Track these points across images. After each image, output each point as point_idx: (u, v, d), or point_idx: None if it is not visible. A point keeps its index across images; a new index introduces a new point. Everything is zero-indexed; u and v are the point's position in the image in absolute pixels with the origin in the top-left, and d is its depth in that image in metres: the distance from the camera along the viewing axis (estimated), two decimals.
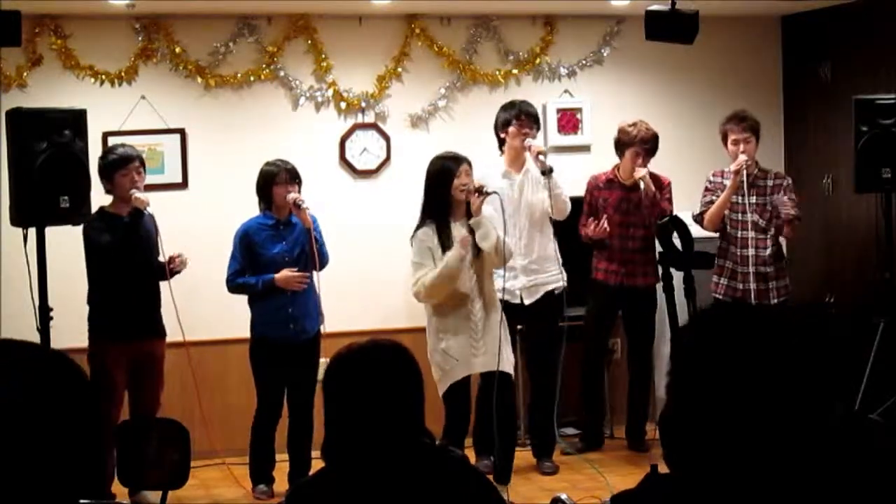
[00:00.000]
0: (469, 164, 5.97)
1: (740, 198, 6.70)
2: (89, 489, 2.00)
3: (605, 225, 6.82)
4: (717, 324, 2.01)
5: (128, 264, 5.99)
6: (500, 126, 6.64)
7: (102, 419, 2.01)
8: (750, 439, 1.89)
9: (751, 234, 6.71)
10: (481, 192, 5.85)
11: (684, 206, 6.94)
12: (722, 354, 1.94)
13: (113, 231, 5.97)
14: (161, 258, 6.15)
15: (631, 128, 6.86)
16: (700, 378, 1.94)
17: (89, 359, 6.01)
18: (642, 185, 6.79)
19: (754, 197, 6.72)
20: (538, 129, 6.71)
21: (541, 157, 6.42)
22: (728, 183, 6.72)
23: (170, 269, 6.09)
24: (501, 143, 6.66)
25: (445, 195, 5.89)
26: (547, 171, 6.39)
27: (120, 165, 6.01)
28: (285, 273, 6.17)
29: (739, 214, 6.74)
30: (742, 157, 6.64)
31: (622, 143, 6.89)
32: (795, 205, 6.78)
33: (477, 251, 5.90)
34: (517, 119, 6.55)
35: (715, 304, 6.43)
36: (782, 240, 6.89)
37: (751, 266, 6.70)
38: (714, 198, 6.77)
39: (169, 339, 6.27)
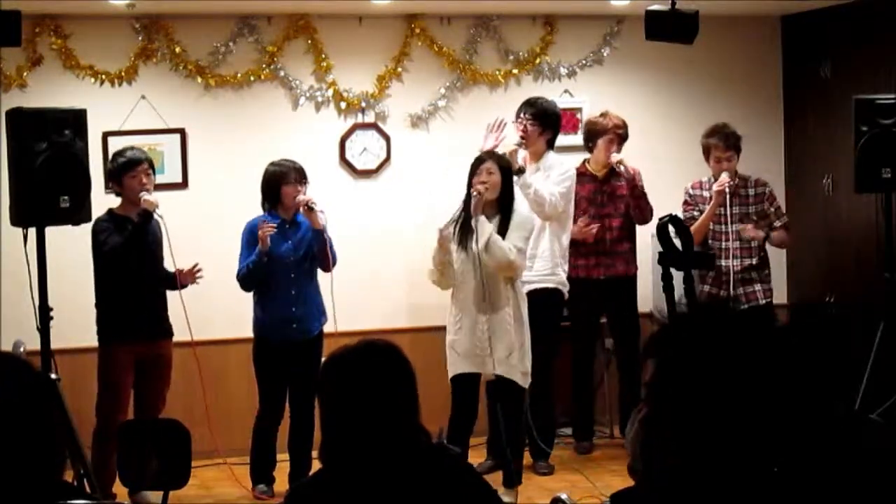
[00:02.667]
0: (497, 160, 5.97)
1: (722, 209, 6.73)
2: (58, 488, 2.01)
3: (594, 229, 6.82)
4: (704, 322, 2.00)
5: (136, 266, 5.99)
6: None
7: (55, 421, 2.02)
8: (748, 440, 1.89)
9: (733, 244, 6.75)
10: (475, 194, 5.90)
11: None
12: (709, 355, 1.93)
13: (122, 232, 5.98)
14: (172, 266, 6.12)
15: (601, 118, 6.92)
16: (688, 380, 1.93)
17: (100, 361, 6.02)
18: (622, 168, 6.80)
19: (737, 207, 6.77)
20: (545, 123, 6.65)
21: (506, 154, 6.35)
22: (709, 195, 6.76)
23: (181, 282, 6.08)
24: None
25: (468, 191, 5.94)
26: (517, 172, 6.34)
27: (128, 168, 6.03)
28: (260, 229, 6.09)
29: (722, 226, 6.77)
30: (724, 177, 6.67)
31: (594, 134, 6.91)
32: (782, 213, 6.94)
33: None
34: (517, 116, 6.59)
35: (700, 303, 6.42)
36: (772, 246, 6.95)
37: (733, 275, 6.73)
38: (696, 213, 6.79)
39: (174, 338, 6.26)
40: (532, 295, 6.43)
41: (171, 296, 6.17)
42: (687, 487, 1.91)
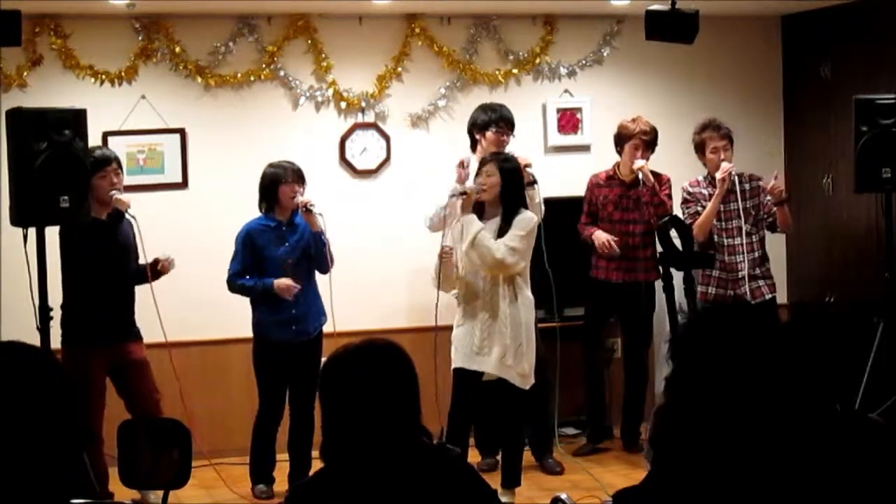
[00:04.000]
0: (496, 164, 5.97)
1: (724, 205, 6.72)
2: (74, 486, 2.02)
3: (616, 248, 6.83)
4: (718, 323, 2.01)
5: (104, 268, 5.92)
6: (478, 128, 6.66)
7: (77, 416, 2.04)
8: (751, 438, 1.89)
9: (738, 240, 6.75)
10: (456, 194, 5.96)
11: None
12: (721, 354, 1.94)
13: (90, 234, 5.87)
14: (143, 261, 6.06)
15: (630, 123, 6.91)
16: (700, 377, 1.95)
17: (67, 364, 5.87)
18: (640, 176, 6.81)
19: (734, 203, 6.77)
20: (513, 133, 6.69)
21: (528, 168, 6.40)
22: (708, 192, 6.76)
23: (155, 272, 6.03)
24: (474, 141, 6.68)
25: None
26: (530, 183, 6.39)
27: (97, 168, 5.89)
28: (285, 281, 6.16)
29: (724, 223, 6.76)
30: (726, 164, 6.67)
31: (622, 138, 6.92)
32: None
33: None
34: (496, 125, 6.58)
35: (714, 305, 6.42)
36: (773, 236, 6.94)
37: (742, 271, 6.72)
38: (699, 208, 6.77)
39: (166, 339, 6.24)
40: None
41: (152, 298, 6.08)
42: (689, 485, 1.91)
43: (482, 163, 6.08)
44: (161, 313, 6.11)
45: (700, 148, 6.83)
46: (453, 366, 6.02)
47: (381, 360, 2.64)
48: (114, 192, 5.93)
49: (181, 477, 2.92)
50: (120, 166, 6.08)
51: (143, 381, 6.06)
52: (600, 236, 6.90)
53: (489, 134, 6.58)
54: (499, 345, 5.89)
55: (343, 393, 2.60)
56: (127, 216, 5.97)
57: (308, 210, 6.18)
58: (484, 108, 6.72)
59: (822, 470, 1.97)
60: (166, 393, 6.22)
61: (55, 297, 5.59)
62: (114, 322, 5.97)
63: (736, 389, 1.91)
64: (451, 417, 6.04)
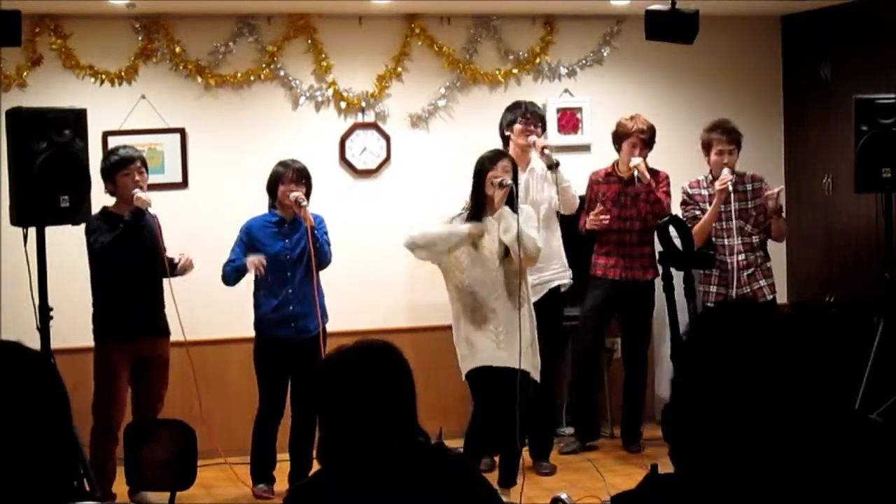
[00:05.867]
0: (510, 159, 5.99)
1: (723, 205, 6.73)
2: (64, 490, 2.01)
3: (604, 218, 6.83)
4: (722, 322, 2.01)
5: (129, 263, 6.00)
6: (506, 125, 6.69)
7: (70, 419, 2.01)
8: (751, 438, 1.89)
9: (737, 240, 6.77)
10: (501, 185, 5.87)
11: None
12: (725, 353, 1.95)
13: (114, 230, 5.98)
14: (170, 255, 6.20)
15: (629, 121, 6.93)
16: (703, 376, 1.95)
17: (95, 360, 6.02)
18: (636, 174, 6.82)
19: (736, 203, 6.78)
20: (544, 129, 6.79)
21: (546, 150, 6.48)
22: (708, 193, 6.78)
23: (173, 267, 6.15)
24: (506, 142, 6.69)
25: (480, 190, 5.93)
26: (553, 165, 6.46)
27: (121, 166, 6.04)
28: (253, 257, 6.19)
29: (724, 223, 6.78)
30: (726, 174, 6.68)
31: (620, 136, 6.94)
32: (780, 206, 6.94)
33: (506, 249, 5.89)
34: (523, 117, 6.61)
35: (718, 304, 6.44)
36: (771, 241, 6.96)
37: (741, 271, 6.74)
38: (698, 212, 6.79)
39: (174, 338, 6.27)
40: (552, 294, 6.54)
41: (171, 296, 6.15)
42: (688, 489, 1.91)
43: (497, 156, 5.97)
44: (166, 312, 6.14)
45: (706, 147, 6.85)
46: (472, 366, 5.91)
47: (376, 361, 2.64)
48: (136, 189, 5.99)
49: (187, 478, 2.92)
50: (144, 165, 6.16)
51: (161, 379, 6.17)
52: (589, 218, 6.91)
53: (516, 126, 6.62)
54: (523, 338, 5.84)
55: (338, 394, 2.60)
56: (149, 214, 6.03)
57: (298, 205, 6.20)
58: (510, 106, 6.77)
59: (821, 471, 1.97)
60: (174, 391, 6.26)
61: (55, 297, 5.59)
62: (138, 318, 6.04)
63: (740, 391, 1.91)
64: (479, 420, 6.00)
